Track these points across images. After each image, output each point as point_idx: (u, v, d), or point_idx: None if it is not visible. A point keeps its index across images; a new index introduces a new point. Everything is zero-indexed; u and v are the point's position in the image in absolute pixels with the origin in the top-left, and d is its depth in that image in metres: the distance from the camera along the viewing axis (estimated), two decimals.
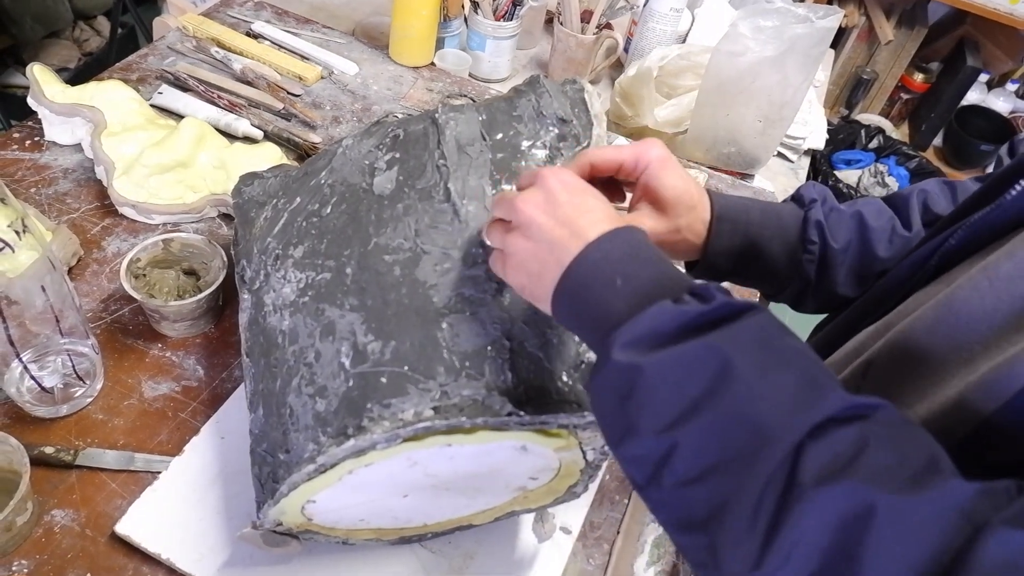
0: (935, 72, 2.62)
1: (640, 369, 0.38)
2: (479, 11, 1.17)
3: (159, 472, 0.65)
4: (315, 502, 0.54)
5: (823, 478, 0.33)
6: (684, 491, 0.37)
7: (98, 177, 0.87)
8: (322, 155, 0.69)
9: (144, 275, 0.75)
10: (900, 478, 0.33)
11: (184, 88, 1.02)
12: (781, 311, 0.69)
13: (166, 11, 1.24)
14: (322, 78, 1.12)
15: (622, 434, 0.40)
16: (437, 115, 0.63)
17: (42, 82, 0.89)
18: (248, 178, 0.74)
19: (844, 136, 2.56)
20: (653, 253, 0.44)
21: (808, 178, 1.35)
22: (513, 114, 0.63)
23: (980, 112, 2.55)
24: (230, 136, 0.96)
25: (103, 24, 2.19)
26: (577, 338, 0.55)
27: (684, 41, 1.32)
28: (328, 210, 0.63)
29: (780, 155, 1.24)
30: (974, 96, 2.56)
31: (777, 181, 1.19)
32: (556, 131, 0.63)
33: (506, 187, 0.59)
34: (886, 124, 2.65)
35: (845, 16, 2.33)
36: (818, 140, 1.27)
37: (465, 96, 1.14)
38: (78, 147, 0.91)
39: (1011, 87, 2.59)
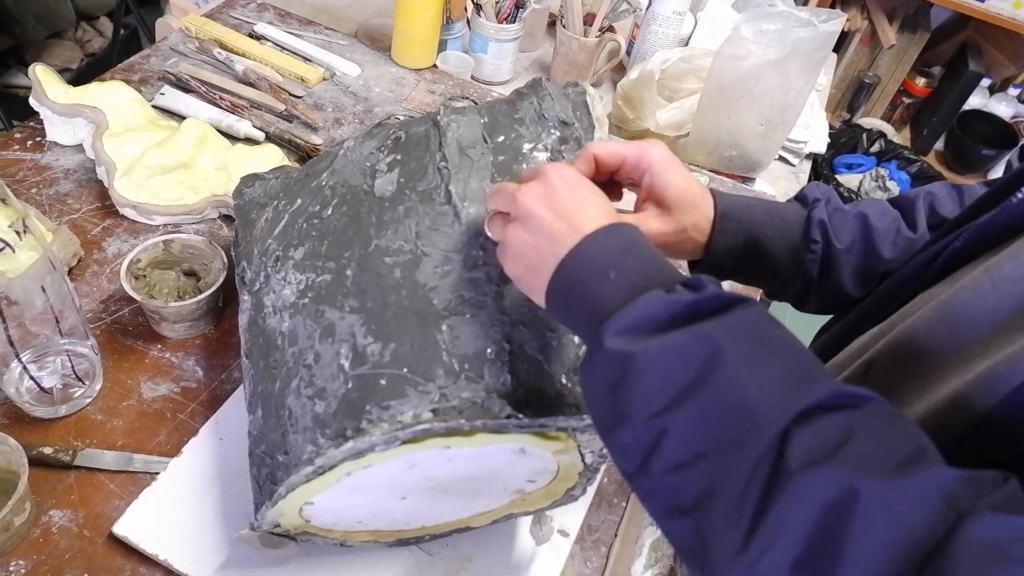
0: (937, 76, 2.62)
1: (631, 357, 0.39)
2: (482, 13, 1.17)
3: (157, 473, 0.65)
4: (313, 504, 0.54)
5: (809, 463, 0.34)
6: (672, 477, 0.38)
7: (99, 178, 0.87)
8: (323, 157, 0.69)
9: (144, 276, 0.75)
10: (885, 465, 0.33)
11: (186, 89, 1.02)
12: (782, 311, 0.69)
13: (169, 12, 1.24)
14: (324, 80, 1.12)
15: (613, 422, 0.41)
16: (439, 117, 0.63)
17: (44, 82, 0.89)
18: (249, 179, 0.74)
19: (845, 140, 2.56)
20: (648, 249, 0.45)
21: (809, 182, 1.34)
22: (515, 116, 0.63)
23: (982, 117, 2.55)
24: (232, 137, 0.96)
25: (106, 25, 2.19)
26: (577, 340, 0.55)
27: (686, 44, 1.32)
28: (329, 212, 0.63)
29: (781, 159, 1.24)
30: (976, 101, 2.56)
31: (778, 185, 1.19)
32: (558, 134, 0.63)
33: None
34: (888, 128, 2.64)
35: (848, 20, 2.34)
36: (819, 144, 1.27)
37: (467, 98, 1.14)
38: (79, 148, 0.91)
39: (1013, 92, 2.59)
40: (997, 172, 2.53)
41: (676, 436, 0.37)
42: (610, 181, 0.58)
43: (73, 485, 0.64)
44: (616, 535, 0.69)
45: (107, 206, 0.86)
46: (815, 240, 0.63)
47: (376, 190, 0.62)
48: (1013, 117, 2.56)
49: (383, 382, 0.51)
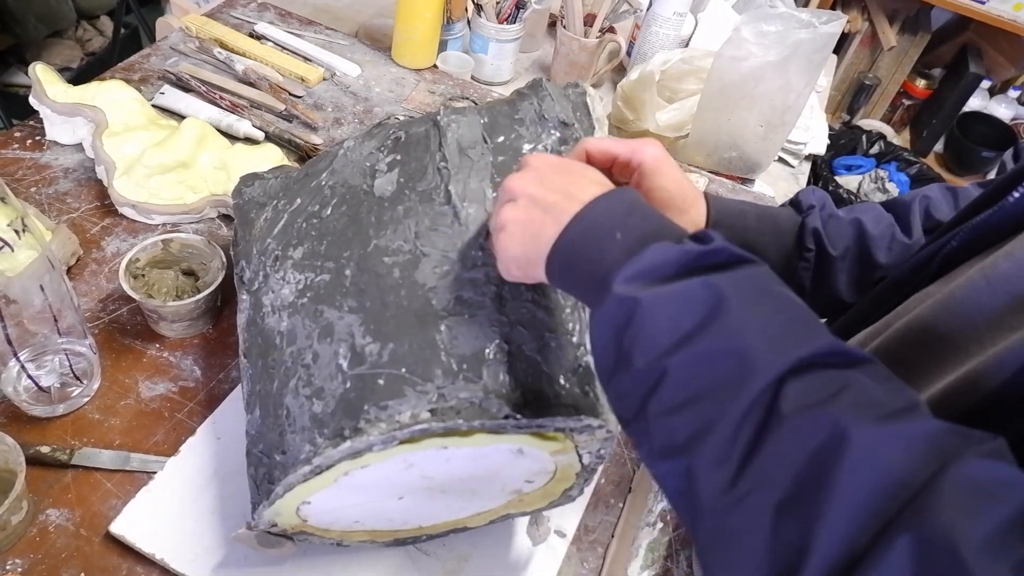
0: (937, 78, 2.62)
1: (638, 301, 0.39)
2: (482, 14, 1.17)
3: (155, 472, 0.65)
4: (310, 503, 0.54)
5: (801, 409, 0.34)
6: (668, 418, 0.38)
7: (99, 177, 0.87)
8: (323, 156, 0.69)
9: (143, 275, 0.75)
10: (877, 413, 0.34)
11: (186, 89, 1.02)
12: None
13: (169, 11, 1.25)
14: (324, 80, 1.12)
15: (615, 366, 0.41)
16: (439, 117, 0.63)
17: (44, 81, 0.89)
18: (249, 179, 0.74)
19: (845, 141, 2.56)
20: (651, 210, 0.45)
21: (809, 183, 1.35)
22: (515, 117, 0.63)
23: (982, 119, 2.55)
24: (231, 137, 0.96)
25: (106, 24, 2.19)
26: (576, 340, 0.55)
27: (687, 45, 1.32)
28: (328, 212, 0.63)
29: (781, 160, 1.24)
30: (976, 102, 2.56)
31: (778, 186, 1.19)
32: (558, 134, 0.63)
33: None
34: (887, 130, 2.64)
35: (848, 21, 2.33)
36: (819, 145, 1.27)
37: (467, 99, 1.14)
38: (79, 147, 0.91)
39: (1013, 94, 2.59)
40: None
41: (675, 378, 0.38)
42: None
43: (70, 484, 0.64)
44: (613, 536, 0.69)
45: (106, 205, 0.86)
46: (808, 248, 0.63)
47: (376, 190, 0.62)
48: (1013, 119, 2.56)
49: (381, 382, 0.51)
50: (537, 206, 0.46)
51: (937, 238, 0.55)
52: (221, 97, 1.01)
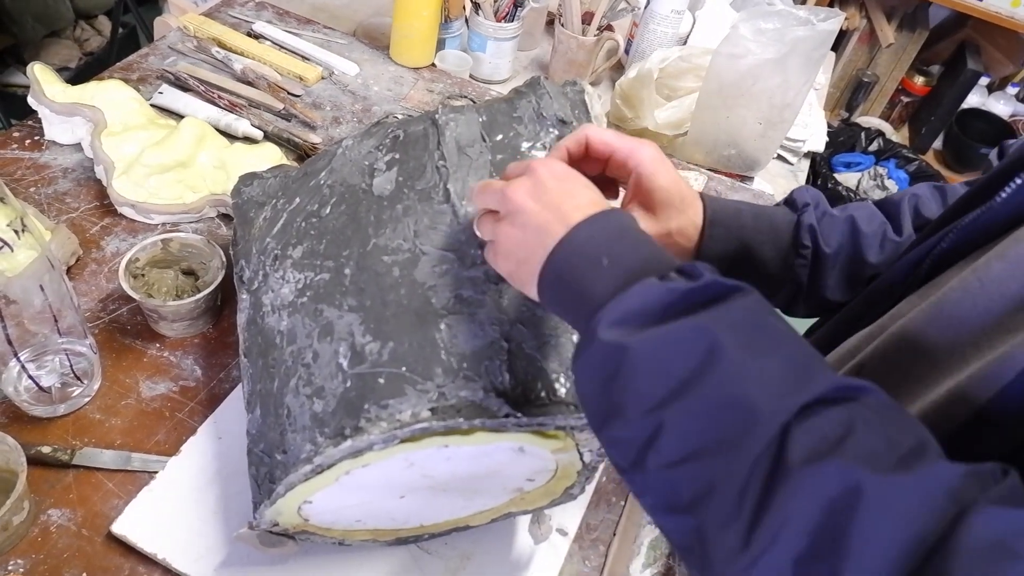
0: (936, 75, 2.62)
1: (626, 349, 0.38)
2: (480, 12, 1.17)
3: (156, 472, 0.65)
4: (312, 503, 0.54)
5: (810, 459, 0.33)
6: (669, 473, 0.37)
7: (98, 177, 0.87)
8: (322, 156, 0.69)
9: (143, 275, 0.75)
10: (888, 460, 0.33)
11: (184, 88, 1.02)
12: None
13: (167, 11, 1.24)
14: (322, 79, 1.12)
15: (606, 416, 0.40)
16: (437, 116, 0.63)
17: (43, 81, 0.89)
18: (248, 178, 0.74)
19: (844, 139, 2.56)
20: (640, 235, 0.44)
21: (808, 181, 1.35)
22: (513, 115, 0.63)
23: (980, 115, 2.55)
24: (230, 136, 0.96)
25: (104, 24, 2.19)
26: (576, 338, 0.55)
27: (685, 43, 1.32)
28: (327, 211, 0.63)
29: (780, 157, 1.24)
30: (975, 99, 2.56)
31: (777, 183, 1.19)
32: (556, 133, 0.63)
33: None
34: (886, 127, 2.65)
35: (846, 19, 2.33)
36: (818, 143, 1.27)
37: (465, 97, 1.14)
38: (78, 146, 0.91)
39: (1012, 90, 2.59)
40: None
41: (673, 432, 0.37)
42: (606, 179, 0.58)
43: (72, 484, 0.64)
44: (614, 534, 0.69)
45: (105, 205, 0.86)
46: (805, 245, 0.63)
47: (375, 189, 0.62)
48: (1012, 116, 2.57)
49: (382, 381, 0.51)
50: (530, 225, 0.45)
51: (926, 237, 0.55)
52: (219, 96, 1.01)
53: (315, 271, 0.59)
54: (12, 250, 0.58)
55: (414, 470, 0.53)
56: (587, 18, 1.19)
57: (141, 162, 0.84)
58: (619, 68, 1.32)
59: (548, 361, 0.53)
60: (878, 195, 2.46)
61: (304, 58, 1.14)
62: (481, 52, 1.21)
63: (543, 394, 0.52)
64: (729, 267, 0.62)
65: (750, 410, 0.35)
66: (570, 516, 0.69)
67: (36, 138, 0.91)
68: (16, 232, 0.57)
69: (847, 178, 2.50)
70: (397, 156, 0.63)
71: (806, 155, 1.26)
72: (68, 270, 0.79)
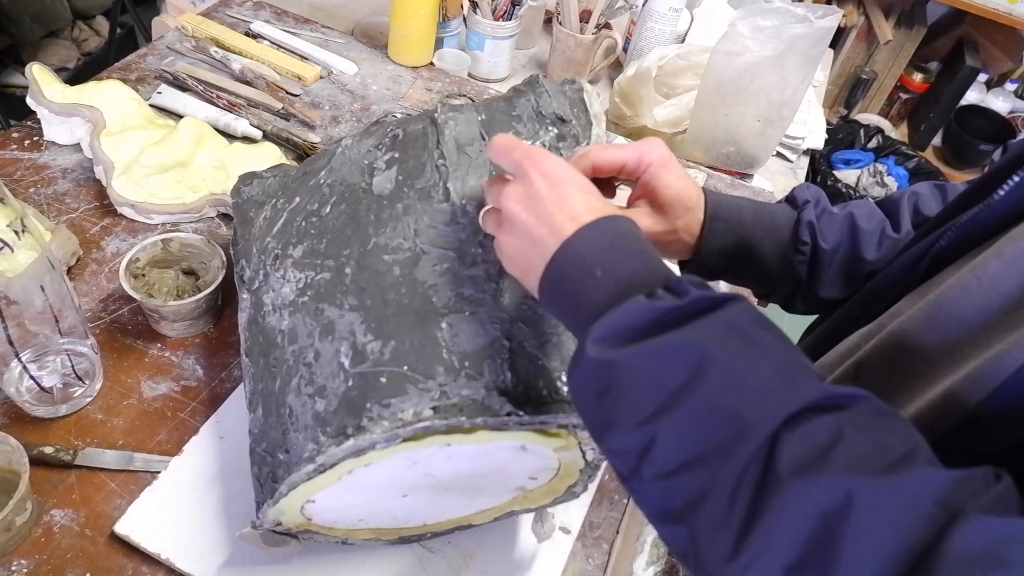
0: (934, 72, 2.62)
1: (614, 365, 0.39)
2: (478, 11, 1.17)
3: (158, 472, 0.65)
4: (314, 502, 0.54)
5: (799, 468, 0.33)
6: (663, 483, 0.38)
7: (97, 177, 0.87)
8: (321, 155, 0.69)
9: (143, 275, 0.75)
10: (876, 468, 0.33)
11: (183, 88, 1.02)
12: (773, 313, 0.70)
13: (165, 11, 1.24)
14: (321, 78, 1.12)
15: (603, 428, 0.41)
16: (436, 115, 0.63)
17: (41, 82, 0.89)
18: (247, 178, 0.74)
19: (843, 136, 2.56)
20: (635, 243, 0.44)
21: (807, 178, 1.35)
22: (512, 114, 0.63)
23: (979, 112, 2.56)
24: (229, 136, 0.96)
25: (102, 24, 2.19)
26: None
27: (683, 41, 1.32)
28: (327, 210, 0.63)
29: (779, 155, 1.25)
30: (973, 96, 2.56)
31: (776, 181, 1.20)
32: (555, 131, 0.63)
33: None
34: (885, 124, 2.65)
35: (844, 16, 2.34)
36: (817, 140, 1.27)
37: (464, 96, 1.14)
38: (77, 147, 0.91)
39: (1010, 87, 2.59)
40: None
41: (665, 443, 0.37)
42: (603, 178, 0.58)
43: (74, 484, 0.64)
44: (618, 532, 0.69)
45: (105, 205, 0.86)
46: (804, 242, 0.63)
47: (374, 188, 0.62)
48: (1010, 112, 2.57)
49: (383, 380, 0.51)
50: (527, 236, 0.46)
51: (925, 234, 0.55)
52: (218, 96, 1.01)
53: (316, 270, 0.59)
54: (12, 251, 0.58)
55: (416, 469, 0.53)
56: (585, 16, 1.19)
57: (140, 162, 0.84)
58: (617, 66, 1.32)
59: (550, 359, 0.53)
60: (878, 192, 2.46)
61: (302, 57, 1.14)
62: (479, 51, 1.21)
63: (545, 392, 0.52)
64: (729, 262, 0.62)
65: (739, 420, 0.35)
66: (573, 514, 0.69)
67: (35, 139, 0.91)
68: (16, 233, 0.57)
69: (846, 175, 2.50)
70: (396, 155, 0.63)
71: (805, 152, 1.27)
72: (68, 270, 0.79)
